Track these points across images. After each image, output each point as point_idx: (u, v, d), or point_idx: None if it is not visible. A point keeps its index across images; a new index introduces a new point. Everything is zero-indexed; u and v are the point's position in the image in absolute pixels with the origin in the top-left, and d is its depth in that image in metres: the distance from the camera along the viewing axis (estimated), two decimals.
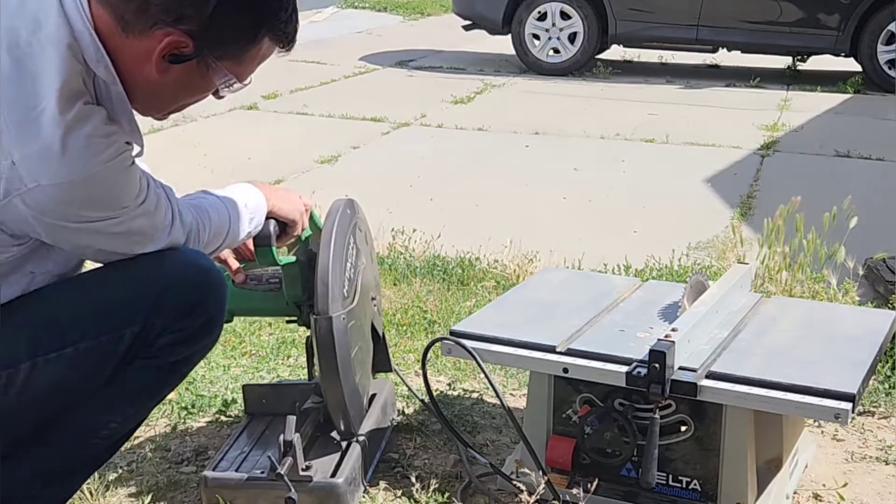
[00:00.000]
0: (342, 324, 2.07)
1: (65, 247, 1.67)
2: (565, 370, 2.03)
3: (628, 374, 1.96)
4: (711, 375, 1.94)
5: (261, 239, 2.03)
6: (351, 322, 2.11)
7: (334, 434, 2.24)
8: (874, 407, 2.65)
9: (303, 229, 2.13)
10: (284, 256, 2.15)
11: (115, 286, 1.75)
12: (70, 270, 1.78)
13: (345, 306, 2.09)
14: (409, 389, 2.59)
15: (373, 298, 2.35)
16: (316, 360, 2.13)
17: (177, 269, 1.78)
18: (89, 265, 1.80)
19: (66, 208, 1.57)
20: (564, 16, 8.42)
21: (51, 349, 1.68)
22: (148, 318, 1.74)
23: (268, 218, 2.02)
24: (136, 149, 1.70)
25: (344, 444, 2.21)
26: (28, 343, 1.67)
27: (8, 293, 1.67)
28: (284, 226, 2.07)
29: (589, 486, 2.05)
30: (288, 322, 2.32)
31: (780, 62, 8.73)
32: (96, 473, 2.28)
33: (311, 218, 2.18)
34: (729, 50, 8.37)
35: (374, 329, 2.36)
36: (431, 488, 2.16)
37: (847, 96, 7.62)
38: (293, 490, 2.01)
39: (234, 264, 2.19)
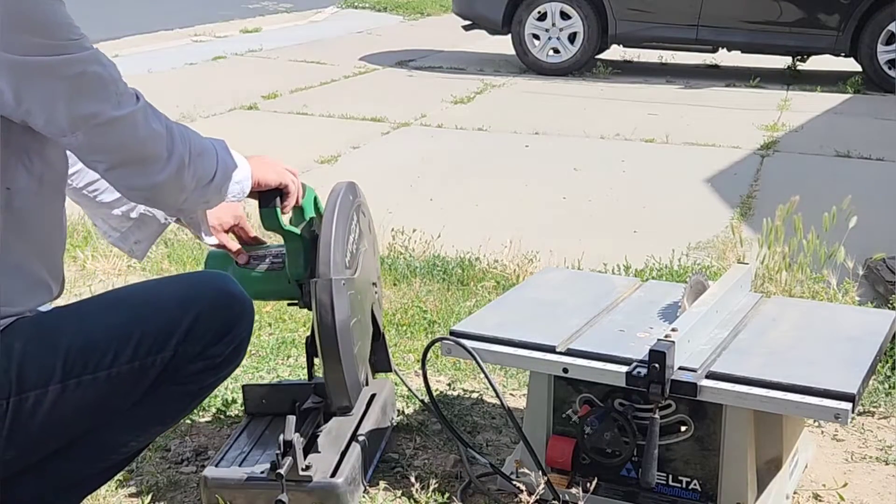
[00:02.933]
0: (342, 289, 2.06)
1: (32, 106, 1.57)
2: (565, 370, 2.03)
3: (628, 374, 1.96)
4: (711, 375, 1.94)
5: (265, 200, 2.04)
6: (351, 291, 2.11)
7: (334, 434, 2.24)
8: (874, 407, 2.65)
9: (299, 194, 2.12)
10: (290, 226, 2.15)
11: (148, 312, 1.76)
12: (49, 187, 1.70)
13: (346, 274, 2.09)
14: (409, 390, 2.59)
15: (374, 284, 2.36)
16: (314, 327, 2.10)
17: (208, 297, 1.80)
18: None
19: (3, 32, 1.51)
20: (564, 16, 8.42)
21: (83, 372, 1.68)
22: (179, 346, 1.76)
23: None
24: None
25: (344, 443, 2.21)
26: (61, 365, 1.67)
27: None
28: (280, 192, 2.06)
29: (589, 486, 2.05)
30: (289, 304, 2.30)
31: (780, 62, 8.73)
32: None
33: (315, 203, 2.20)
34: (729, 50, 8.37)
35: (374, 320, 2.35)
36: (431, 488, 2.16)
37: (847, 96, 7.62)
38: (285, 492, 2.01)
39: (235, 245, 2.22)
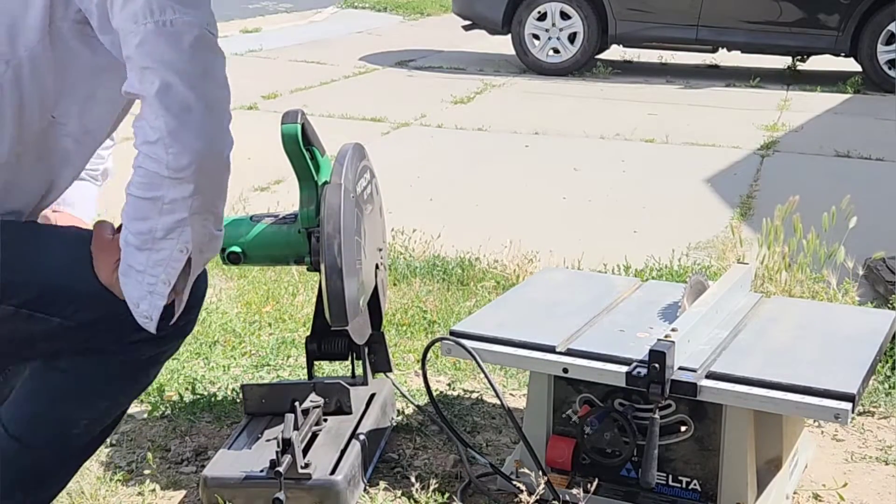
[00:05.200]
0: (351, 198, 2.07)
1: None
2: (565, 370, 2.03)
3: (628, 374, 1.96)
4: (711, 375, 1.94)
5: (288, 117, 2.09)
6: (357, 209, 2.12)
7: (334, 432, 2.24)
8: (874, 407, 2.65)
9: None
10: (308, 157, 2.20)
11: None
12: (95, 131, 1.67)
13: (356, 192, 2.12)
14: (404, 395, 2.60)
15: (379, 249, 2.37)
16: (319, 231, 2.11)
17: None
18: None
19: None
20: (564, 16, 8.41)
21: (36, 312, 1.66)
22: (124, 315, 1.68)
23: None
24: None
25: (343, 442, 2.21)
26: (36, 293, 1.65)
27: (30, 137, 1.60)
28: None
29: (589, 486, 2.05)
30: (295, 263, 2.30)
31: (780, 62, 8.73)
32: (96, 473, 2.29)
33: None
34: (729, 50, 8.37)
35: (376, 292, 2.35)
36: (431, 488, 2.16)
37: (847, 96, 7.62)
38: (283, 490, 2.01)
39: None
